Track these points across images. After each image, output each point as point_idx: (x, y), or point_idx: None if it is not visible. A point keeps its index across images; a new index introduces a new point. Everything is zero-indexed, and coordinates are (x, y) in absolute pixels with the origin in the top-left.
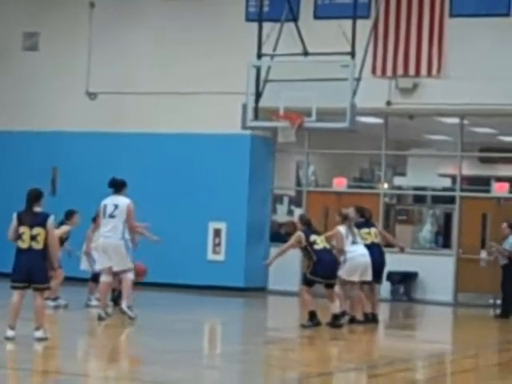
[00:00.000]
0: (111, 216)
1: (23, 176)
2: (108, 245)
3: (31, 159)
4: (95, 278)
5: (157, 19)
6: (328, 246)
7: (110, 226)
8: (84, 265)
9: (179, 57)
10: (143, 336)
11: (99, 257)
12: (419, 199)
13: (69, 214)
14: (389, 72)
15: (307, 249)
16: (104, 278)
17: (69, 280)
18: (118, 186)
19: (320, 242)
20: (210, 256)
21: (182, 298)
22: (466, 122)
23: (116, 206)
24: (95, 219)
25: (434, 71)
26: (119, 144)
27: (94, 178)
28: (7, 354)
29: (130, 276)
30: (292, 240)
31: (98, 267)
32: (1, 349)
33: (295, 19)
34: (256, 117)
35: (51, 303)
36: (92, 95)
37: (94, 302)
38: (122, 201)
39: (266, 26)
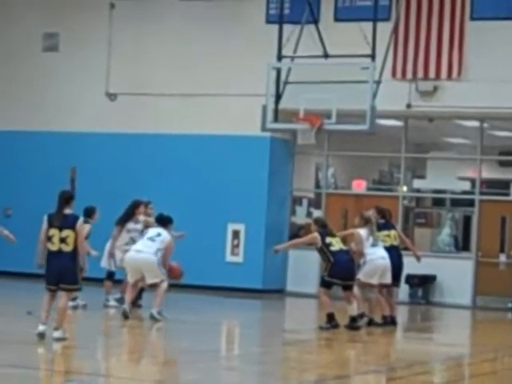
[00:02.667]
0: (151, 239)
1: (42, 176)
2: (139, 260)
3: (50, 159)
4: (110, 276)
5: (177, 21)
6: (344, 248)
7: (146, 245)
8: (104, 262)
9: (199, 58)
10: (161, 336)
11: (129, 272)
12: (438, 202)
13: (90, 212)
14: (409, 75)
15: (324, 250)
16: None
17: (87, 280)
18: (164, 223)
19: (336, 244)
20: (229, 257)
21: (200, 299)
22: (485, 125)
23: (159, 234)
24: (120, 222)
25: (455, 74)
26: (138, 145)
27: (114, 179)
28: (26, 353)
29: (165, 285)
30: (306, 238)
31: (129, 280)
32: (20, 349)
33: (316, 21)
34: (276, 119)
35: (70, 303)
36: (112, 96)
37: (112, 303)
38: (166, 234)
39: (287, 28)
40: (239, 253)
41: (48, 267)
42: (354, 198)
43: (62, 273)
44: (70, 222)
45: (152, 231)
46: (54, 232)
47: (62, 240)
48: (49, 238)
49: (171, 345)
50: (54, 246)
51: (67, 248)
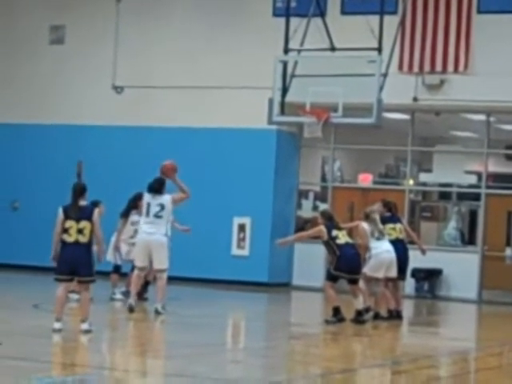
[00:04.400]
0: (157, 216)
1: (49, 169)
2: (151, 241)
3: (57, 153)
4: (117, 270)
5: (184, 13)
6: (350, 241)
7: (155, 225)
8: (110, 256)
9: (206, 51)
10: (167, 330)
11: (138, 254)
12: (444, 196)
13: (94, 205)
14: (415, 68)
15: (330, 243)
16: (138, 272)
17: None
18: (158, 189)
19: (342, 237)
20: (235, 251)
21: (206, 292)
22: (492, 118)
23: (162, 207)
24: (124, 214)
25: (461, 67)
26: (145, 138)
27: (120, 172)
28: (32, 346)
29: (164, 277)
30: (311, 231)
31: (138, 264)
32: (26, 341)
33: (322, 14)
34: (282, 112)
35: (75, 296)
36: (118, 89)
37: (118, 296)
38: (166, 200)
39: (294, 21)
40: (245, 246)
41: (62, 258)
42: (360, 192)
43: (77, 264)
44: (86, 213)
45: (154, 206)
46: (71, 224)
47: (80, 231)
48: (65, 230)
49: (176, 338)
50: (71, 238)
51: (84, 239)
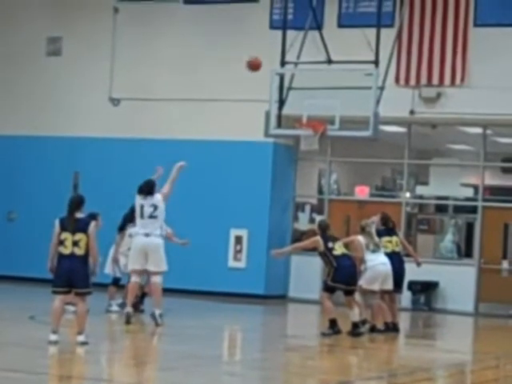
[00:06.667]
0: (152, 217)
1: (45, 181)
2: (148, 244)
3: (53, 164)
4: (116, 282)
5: (180, 26)
6: (347, 252)
7: (151, 227)
8: (108, 269)
9: (203, 63)
10: (163, 341)
11: (133, 257)
12: (441, 209)
13: (92, 217)
14: (412, 81)
15: (326, 255)
16: (134, 279)
17: None
18: (149, 191)
19: (338, 248)
20: (231, 263)
21: (202, 304)
22: (488, 131)
23: (155, 207)
24: (122, 228)
25: (458, 81)
26: (142, 150)
27: (116, 184)
28: (28, 358)
29: (160, 280)
30: (308, 242)
31: (130, 267)
32: (22, 353)
33: (319, 27)
34: (279, 125)
35: (71, 308)
36: (115, 101)
37: (114, 308)
38: (158, 199)
39: (290, 33)
40: (242, 258)
41: (58, 270)
42: (356, 205)
43: (74, 276)
44: (82, 226)
45: (147, 206)
46: (66, 236)
47: (75, 243)
48: (61, 242)
49: (173, 350)
50: (67, 250)
51: (79, 251)
